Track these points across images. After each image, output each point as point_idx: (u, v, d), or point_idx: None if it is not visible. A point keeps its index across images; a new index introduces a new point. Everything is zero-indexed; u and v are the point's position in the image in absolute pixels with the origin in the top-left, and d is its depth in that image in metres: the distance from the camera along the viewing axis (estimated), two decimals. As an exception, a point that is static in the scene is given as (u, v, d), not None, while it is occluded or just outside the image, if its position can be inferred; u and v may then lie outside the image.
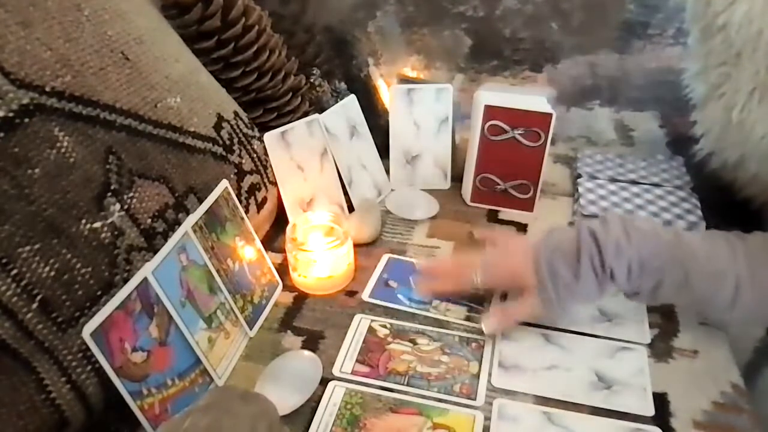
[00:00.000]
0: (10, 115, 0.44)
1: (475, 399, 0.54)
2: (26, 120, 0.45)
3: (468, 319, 0.63)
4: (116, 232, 0.51)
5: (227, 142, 0.68)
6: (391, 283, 0.68)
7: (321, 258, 0.66)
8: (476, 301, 0.65)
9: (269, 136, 0.73)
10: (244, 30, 0.72)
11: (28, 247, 0.44)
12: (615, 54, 0.91)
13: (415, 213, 0.81)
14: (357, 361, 0.58)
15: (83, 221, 0.48)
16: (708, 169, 0.71)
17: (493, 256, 0.61)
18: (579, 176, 0.83)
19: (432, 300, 0.65)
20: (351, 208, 0.80)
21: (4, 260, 0.42)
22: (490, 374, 0.57)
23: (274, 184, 0.75)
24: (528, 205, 0.81)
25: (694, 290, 0.53)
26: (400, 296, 0.66)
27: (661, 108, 0.94)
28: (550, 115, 0.75)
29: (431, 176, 0.88)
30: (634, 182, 0.81)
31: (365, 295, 0.66)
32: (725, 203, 0.72)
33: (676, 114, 0.91)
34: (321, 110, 0.79)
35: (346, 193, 0.80)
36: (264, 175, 0.73)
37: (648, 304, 0.63)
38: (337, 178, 0.79)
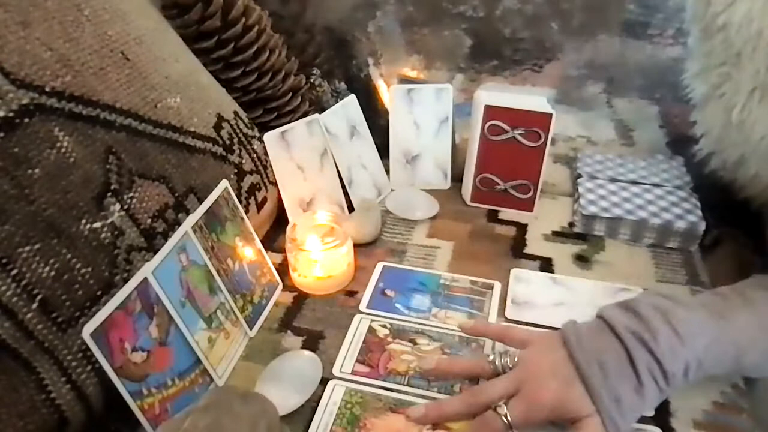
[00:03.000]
0: (10, 115, 0.44)
1: (475, 399, 0.54)
2: (26, 120, 0.45)
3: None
4: (116, 232, 0.51)
5: (227, 142, 0.68)
6: (388, 292, 0.67)
7: (321, 258, 0.66)
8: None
9: (269, 136, 0.73)
10: (244, 30, 0.72)
11: (28, 247, 0.44)
12: (615, 54, 0.91)
13: (415, 213, 0.81)
14: (357, 361, 0.58)
15: (83, 221, 0.48)
16: (708, 169, 0.71)
17: (521, 383, 0.48)
18: (579, 176, 0.83)
19: (431, 308, 0.65)
20: (351, 208, 0.80)
21: (4, 260, 0.42)
22: (490, 374, 0.57)
23: (274, 184, 0.75)
24: (528, 205, 0.81)
25: (747, 367, 0.51)
26: (398, 305, 0.65)
27: (661, 108, 0.94)
28: (550, 115, 0.75)
29: (431, 176, 0.88)
30: (634, 182, 0.81)
31: (362, 306, 0.65)
32: (725, 203, 0.72)
33: (676, 114, 0.91)
34: (321, 110, 0.79)
35: (346, 193, 0.80)
36: (264, 175, 0.73)
37: None
38: (337, 178, 0.79)
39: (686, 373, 0.47)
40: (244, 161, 0.70)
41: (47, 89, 0.48)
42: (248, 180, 0.70)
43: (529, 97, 0.78)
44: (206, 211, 0.58)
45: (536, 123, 0.76)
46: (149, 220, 0.55)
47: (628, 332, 0.47)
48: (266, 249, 0.68)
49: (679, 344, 0.46)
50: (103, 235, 0.50)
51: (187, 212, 0.58)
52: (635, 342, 0.46)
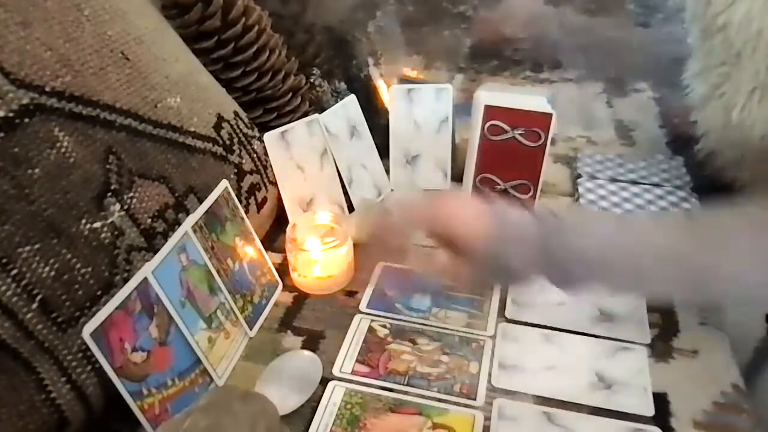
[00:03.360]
0: (10, 115, 0.44)
1: (475, 399, 0.54)
2: (26, 120, 0.45)
3: (468, 326, 0.62)
4: (116, 232, 0.51)
5: (227, 142, 0.68)
6: (388, 292, 0.68)
7: (321, 258, 0.66)
8: (476, 305, 0.64)
9: (269, 136, 0.73)
10: (244, 30, 0.72)
11: (28, 247, 0.44)
12: (615, 53, 0.91)
13: (415, 213, 0.80)
14: (357, 361, 0.58)
15: (83, 221, 0.48)
16: (708, 169, 0.71)
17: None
18: (579, 176, 0.83)
19: (431, 308, 0.65)
20: (351, 208, 0.80)
21: (4, 260, 0.42)
22: (490, 374, 0.57)
23: (274, 184, 0.75)
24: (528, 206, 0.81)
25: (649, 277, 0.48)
26: (398, 305, 0.65)
27: (661, 108, 0.94)
28: (550, 115, 0.75)
29: (431, 176, 0.88)
30: (634, 182, 0.81)
31: (363, 306, 0.65)
32: (725, 203, 0.72)
33: (676, 114, 0.91)
34: (321, 110, 0.79)
35: (346, 193, 0.80)
36: (264, 175, 0.73)
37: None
38: (337, 178, 0.79)
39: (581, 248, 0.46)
40: (244, 161, 0.70)
41: (47, 89, 0.48)
42: (248, 180, 0.70)
43: (529, 97, 0.78)
44: (206, 211, 0.58)
45: (536, 123, 0.75)
46: (149, 220, 0.55)
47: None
48: (266, 249, 0.68)
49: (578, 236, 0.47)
50: (103, 235, 0.50)
51: (187, 212, 0.58)
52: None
